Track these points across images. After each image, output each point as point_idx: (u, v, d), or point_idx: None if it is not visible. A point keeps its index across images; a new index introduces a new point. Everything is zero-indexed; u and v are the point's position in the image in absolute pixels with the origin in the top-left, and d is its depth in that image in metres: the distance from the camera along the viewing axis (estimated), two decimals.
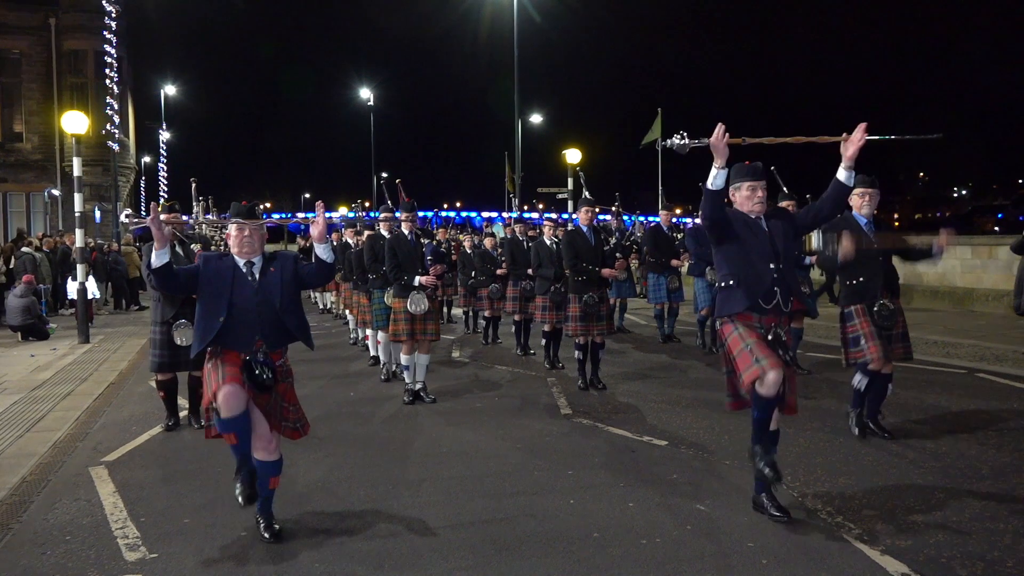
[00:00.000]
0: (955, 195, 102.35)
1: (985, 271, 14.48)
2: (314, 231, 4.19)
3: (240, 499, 4.11)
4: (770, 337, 4.19)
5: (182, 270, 4.24)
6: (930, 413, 6.61)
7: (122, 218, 4.37)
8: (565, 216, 19.57)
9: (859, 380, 5.77)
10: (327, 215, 4.22)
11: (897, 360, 5.83)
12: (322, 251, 4.21)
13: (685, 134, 4.05)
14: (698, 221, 10.63)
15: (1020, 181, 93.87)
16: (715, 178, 4.07)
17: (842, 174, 4.26)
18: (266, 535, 4.16)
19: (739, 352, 4.22)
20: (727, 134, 3.99)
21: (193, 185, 15.73)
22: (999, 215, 77.72)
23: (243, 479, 4.13)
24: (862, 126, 4.19)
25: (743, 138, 4.13)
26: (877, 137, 4.34)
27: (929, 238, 5.75)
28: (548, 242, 8.94)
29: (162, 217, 6.80)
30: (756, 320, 4.24)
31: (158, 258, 4.00)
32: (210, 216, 18.87)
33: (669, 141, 4.07)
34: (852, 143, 4.19)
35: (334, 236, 14.41)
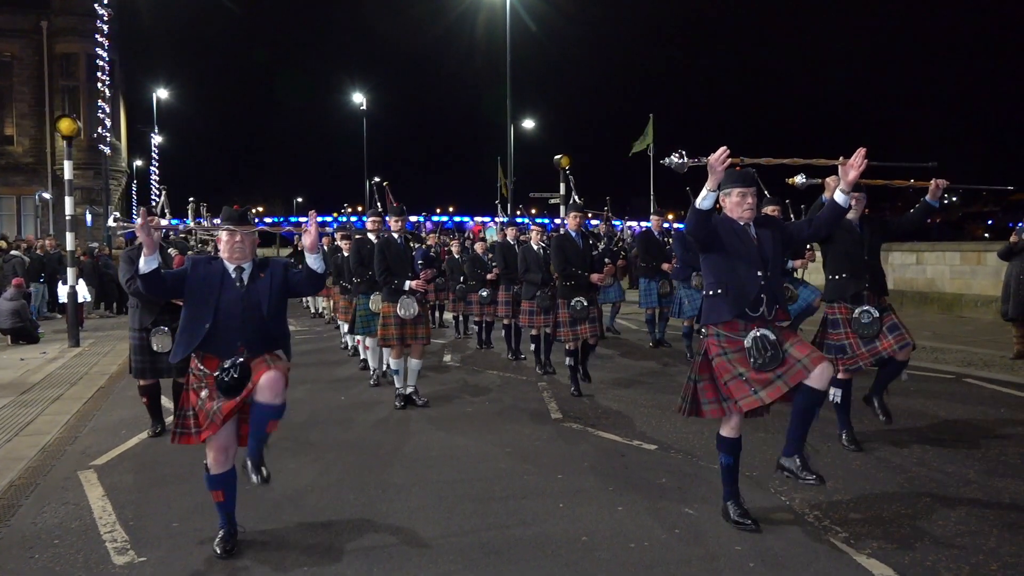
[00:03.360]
0: (945, 201, 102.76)
1: (974, 277, 14.57)
2: (306, 240, 4.17)
3: (217, 549, 4.04)
4: (747, 341, 4.11)
5: (169, 274, 4.18)
6: (917, 418, 6.65)
7: (110, 222, 4.28)
8: (557, 222, 19.61)
9: (834, 393, 5.71)
10: (319, 220, 4.21)
11: (900, 348, 5.57)
12: (313, 261, 4.17)
13: (684, 152, 4.03)
14: (682, 227, 10.67)
15: (1010, 188, 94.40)
16: (704, 199, 4.04)
17: (840, 197, 4.26)
18: (253, 477, 3.99)
19: (731, 378, 4.17)
20: (728, 158, 3.97)
21: (163, 193, 15.81)
22: (989, 221, 78.06)
23: (224, 536, 4.10)
24: (861, 151, 4.20)
25: (741, 158, 4.16)
26: (876, 163, 4.42)
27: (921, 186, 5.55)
28: (535, 247, 8.96)
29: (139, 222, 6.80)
30: (742, 327, 4.19)
31: (147, 264, 3.96)
32: (202, 221, 18.90)
33: (667, 159, 4.05)
34: (853, 167, 4.20)
35: (325, 240, 14.43)
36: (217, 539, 4.09)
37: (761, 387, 4.12)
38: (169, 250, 6.75)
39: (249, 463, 4.07)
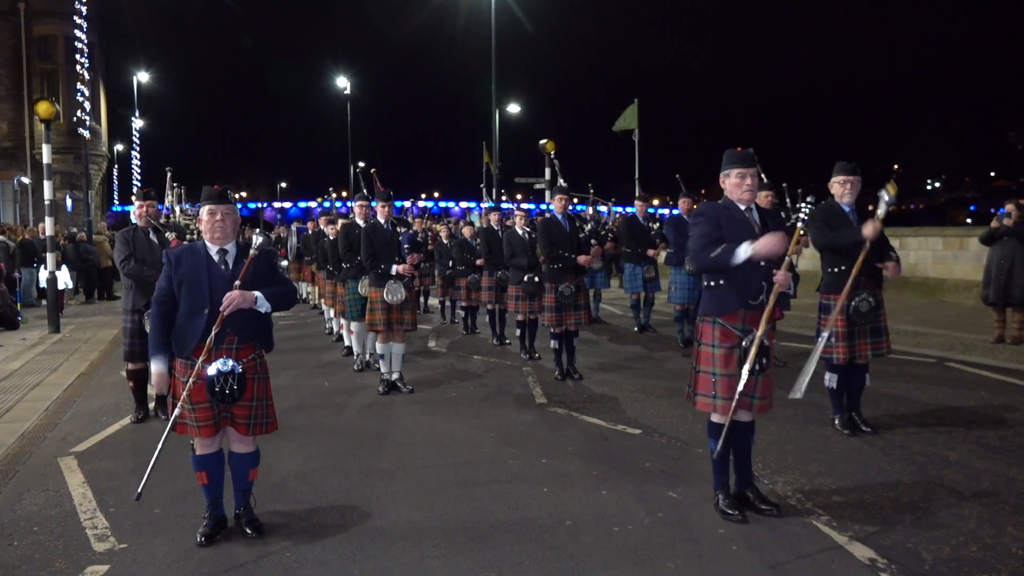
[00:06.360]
0: (929, 187, 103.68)
1: (956, 262, 14.66)
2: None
3: (200, 538, 4.00)
4: (746, 343, 4.06)
5: (167, 291, 4.05)
6: (900, 402, 6.69)
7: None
8: (543, 206, 19.57)
9: (829, 378, 5.74)
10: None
11: (874, 356, 5.76)
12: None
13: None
14: (676, 211, 10.66)
15: (992, 174, 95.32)
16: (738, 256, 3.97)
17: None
18: (248, 531, 4.08)
19: (703, 371, 4.19)
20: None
21: (168, 175, 15.61)
22: (971, 207, 78.64)
23: (209, 523, 4.07)
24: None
25: None
26: None
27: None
28: (520, 232, 8.93)
29: (136, 204, 6.73)
30: (740, 318, 4.12)
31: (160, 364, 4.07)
32: (185, 206, 18.75)
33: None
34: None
35: (309, 225, 14.35)
36: (201, 527, 4.06)
37: (722, 397, 4.12)
38: (167, 234, 6.69)
39: (242, 517, 4.13)
